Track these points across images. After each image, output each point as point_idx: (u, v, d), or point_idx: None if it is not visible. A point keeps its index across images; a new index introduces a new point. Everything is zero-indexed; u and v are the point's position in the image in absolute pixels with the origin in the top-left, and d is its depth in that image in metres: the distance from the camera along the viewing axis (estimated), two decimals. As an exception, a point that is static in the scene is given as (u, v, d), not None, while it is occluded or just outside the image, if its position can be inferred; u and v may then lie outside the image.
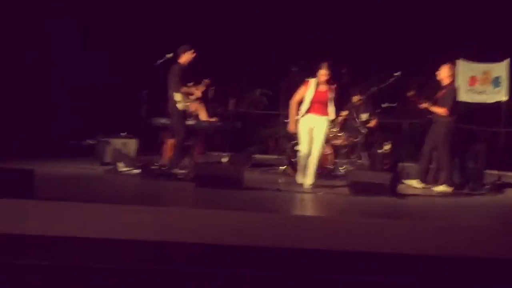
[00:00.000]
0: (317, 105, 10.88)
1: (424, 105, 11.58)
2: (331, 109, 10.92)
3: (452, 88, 11.64)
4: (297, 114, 10.97)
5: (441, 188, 11.23)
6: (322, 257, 7.30)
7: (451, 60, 15.36)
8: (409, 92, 11.82)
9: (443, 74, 11.65)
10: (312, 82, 10.96)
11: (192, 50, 11.88)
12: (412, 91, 11.79)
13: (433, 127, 11.59)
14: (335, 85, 11.01)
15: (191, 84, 12.04)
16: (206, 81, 12.34)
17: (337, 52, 19.92)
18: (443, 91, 11.62)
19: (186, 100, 11.82)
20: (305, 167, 10.87)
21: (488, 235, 7.47)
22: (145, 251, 7.23)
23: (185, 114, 11.97)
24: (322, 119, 10.90)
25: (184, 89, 11.81)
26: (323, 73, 10.89)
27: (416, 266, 7.29)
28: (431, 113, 11.64)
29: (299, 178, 11.09)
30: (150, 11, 17.68)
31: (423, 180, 11.58)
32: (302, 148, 10.94)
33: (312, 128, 10.89)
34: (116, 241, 7.28)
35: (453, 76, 11.74)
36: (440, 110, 11.45)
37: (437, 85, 11.83)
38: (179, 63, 11.83)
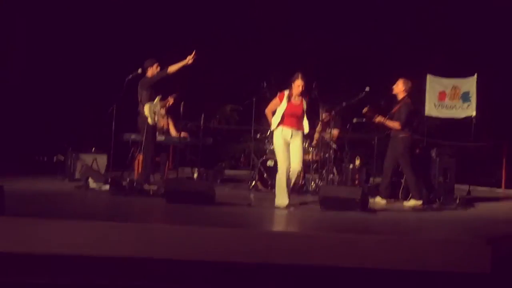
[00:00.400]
0: (292, 119, 10.42)
1: (378, 119, 11.57)
2: (306, 122, 10.51)
3: (406, 103, 11.57)
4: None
5: (411, 203, 11.25)
6: (294, 272, 7.30)
7: (418, 75, 15.55)
8: (364, 108, 11.84)
9: (398, 88, 11.63)
10: (285, 94, 10.50)
11: (157, 64, 11.87)
12: (366, 107, 11.82)
13: (391, 143, 11.61)
14: (307, 97, 10.70)
15: (159, 97, 11.96)
16: (175, 95, 12.32)
17: (307, 67, 20.04)
18: (398, 105, 11.63)
19: (156, 115, 11.78)
20: (284, 186, 10.30)
21: (459, 249, 7.50)
22: (116, 267, 7.19)
23: (154, 130, 11.92)
24: (297, 132, 10.47)
25: (155, 103, 11.76)
26: (298, 84, 10.40)
27: (386, 280, 7.31)
28: (387, 128, 11.67)
29: (282, 200, 10.36)
30: (120, 25, 17.66)
31: (385, 196, 11.58)
32: (282, 164, 10.37)
33: (288, 142, 10.43)
34: (86, 257, 7.23)
35: (407, 90, 11.61)
36: (393, 124, 11.47)
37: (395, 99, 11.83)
38: (146, 77, 11.82)
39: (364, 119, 12.09)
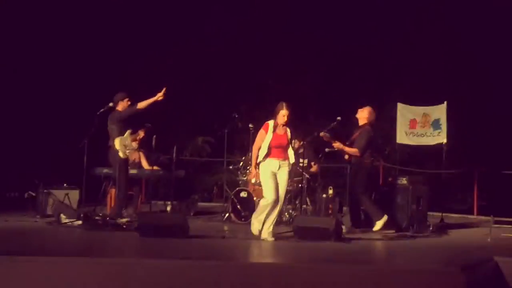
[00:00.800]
0: (278, 149, 10.25)
1: (336, 145, 11.54)
2: (291, 152, 10.35)
3: (366, 129, 11.62)
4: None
5: (378, 225, 11.21)
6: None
7: (388, 104, 15.66)
8: (321, 132, 11.85)
9: (362, 114, 11.70)
10: (270, 124, 10.33)
11: (127, 98, 11.87)
12: (323, 131, 11.84)
13: (351, 170, 11.67)
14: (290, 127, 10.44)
15: (129, 131, 11.92)
16: (146, 126, 12.25)
17: (277, 98, 20.09)
18: (357, 132, 11.68)
19: (127, 148, 11.75)
20: (264, 216, 10.17)
21: (434, 277, 7.51)
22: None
23: (126, 163, 11.89)
24: (284, 163, 10.29)
25: (125, 137, 11.74)
26: (283, 114, 10.22)
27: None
28: (345, 154, 11.70)
29: (262, 231, 10.26)
30: (90, 59, 17.65)
31: (354, 224, 11.57)
32: (268, 195, 10.13)
33: (275, 173, 10.22)
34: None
35: (370, 120, 11.67)
36: (351, 151, 11.52)
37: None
38: (117, 112, 11.81)
39: (336, 149, 12.09)
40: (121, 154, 11.64)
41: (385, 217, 11.20)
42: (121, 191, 11.72)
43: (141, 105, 11.68)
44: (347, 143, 11.68)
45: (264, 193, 10.24)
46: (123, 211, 12.44)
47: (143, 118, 12.47)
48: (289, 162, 10.34)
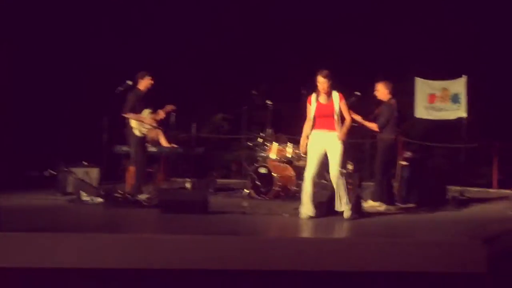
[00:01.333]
0: (322, 119, 9.84)
1: (355, 116, 11.00)
2: (337, 124, 9.82)
3: (388, 104, 11.43)
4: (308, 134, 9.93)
5: (369, 203, 11.16)
6: (292, 278, 7.31)
7: (406, 79, 15.56)
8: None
9: (380, 92, 11.51)
10: (313, 95, 9.99)
11: (150, 76, 11.85)
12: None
13: (377, 145, 11.57)
14: (340, 95, 10.05)
15: (149, 110, 11.92)
16: (170, 107, 12.21)
17: (297, 73, 20.08)
18: (380, 107, 11.57)
19: (144, 126, 11.75)
20: (309, 194, 9.78)
21: (455, 250, 7.52)
22: (115, 278, 7.19)
23: (143, 140, 11.88)
24: (331, 135, 9.80)
25: (145, 115, 11.75)
26: (320, 81, 9.86)
27: (384, 282, 7.33)
28: (369, 129, 11.61)
29: (305, 209, 9.87)
30: (111, 37, 17.65)
31: (377, 199, 11.49)
32: (307, 171, 9.83)
33: (319, 146, 9.82)
34: (85, 270, 7.23)
35: (391, 92, 11.47)
36: (371, 126, 11.43)
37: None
38: (137, 89, 11.79)
39: (356, 124, 12.03)
40: (136, 132, 11.66)
41: (383, 206, 11.13)
42: (139, 168, 11.75)
43: (143, 118, 11.77)
44: (371, 117, 11.61)
45: (305, 170, 9.93)
46: (143, 189, 12.51)
47: (162, 96, 12.48)
48: (336, 134, 9.81)
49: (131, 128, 11.69)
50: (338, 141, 9.77)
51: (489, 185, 16.43)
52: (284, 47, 20.45)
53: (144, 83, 11.84)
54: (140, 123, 11.69)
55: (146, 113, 11.84)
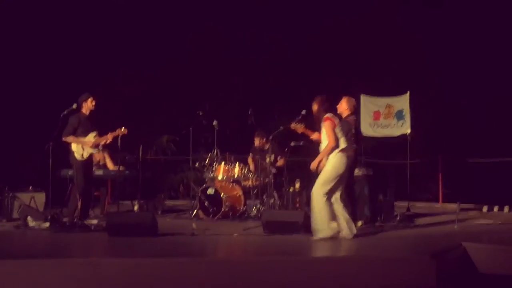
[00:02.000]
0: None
1: (314, 136, 11.17)
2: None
3: (345, 121, 11.15)
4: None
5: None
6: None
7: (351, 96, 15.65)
8: (292, 124, 11.76)
9: (342, 107, 11.35)
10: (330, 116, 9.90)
11: (91, 98, 11.75)
12: (294, 122, 11.81)
13: None
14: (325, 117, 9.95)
15: (94, 134, 11.81)
16: (120, 130, 12.10)
17: (241, 94, 20.21)
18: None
19: (86, 150, 11.63)
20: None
21: (404, 266, 7.60)
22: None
23: (85, 164, 11.70)
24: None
25: (89, 138, 11.65)
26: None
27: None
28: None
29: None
30: (54, 60, 17.53)
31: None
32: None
33: None
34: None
35: (351, 109, 11.36)
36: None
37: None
38: (80, 113, 11.67)
39: (301, 142, 12.08)
40: (77, 156, 11.53)
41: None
42: (80, 192, 11.56)
43: (83, 142, 11.64)
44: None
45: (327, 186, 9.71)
46: (90, 212, 12.41)
47: (110, 119, 12.44)
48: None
49: (72, 152, 11.58)
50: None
51: (436, 199, 16.64)
52: (228, 68, 20.55)
53: (87, 106, 11.72)
54: (81, 147, 11.57)
55: (91, 136, 11.70)
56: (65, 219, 11.11)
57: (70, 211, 11.67)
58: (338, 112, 11.44)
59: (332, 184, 9.64)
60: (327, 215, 9.57)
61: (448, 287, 7.63)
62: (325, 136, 9.82)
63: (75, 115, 11.66)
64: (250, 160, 13.93)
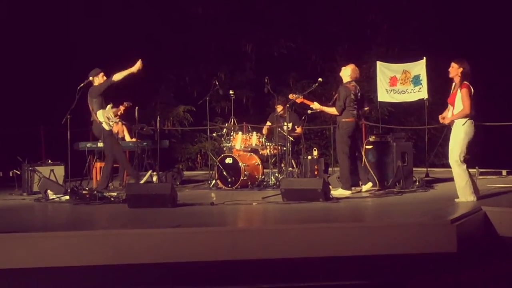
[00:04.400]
0: None
1: (315, 106, 11.44)
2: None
3: (344, 86, 11.27)
4: None
5: (337, 192, 11.06)
6: (263, 267, 7.32)
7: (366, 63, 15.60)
8: (290, 94, 11.83)
9: (344, 73, 11.40)
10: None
11: (102, 73, 12.07)
12: (292, 93, 11.84)
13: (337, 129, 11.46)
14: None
15: (110, 105, 12.10)
16: (126, 104, 12.44)
17: (257, 62, 20.16)
18: (337, 91, 11.48)
19: (110, 121, 11.91)
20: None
21: (425, 231, 7.59)
22: (89, 276, 7.16)
23: (113, 134, 12.17)
24: None
25: (107, 110, 11.92)
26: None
27: (354, 266, 7.37)
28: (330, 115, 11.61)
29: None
30: (69, 35, 17.57)
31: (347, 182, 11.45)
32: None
33: None
34: (55, 268, 7.18)
35: (352, 76, 11.32)
36: (330, 110, 11.44)
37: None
38: (94, 87, 11.97)
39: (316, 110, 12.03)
40: (105, 126, 11.85)
41: (348, 193, 11.10)
42: (122, 161, 12.48)
43: (117, 77, 11.94)
44: (329, 103, 11.61)
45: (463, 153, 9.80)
46: (110, 184, 12.52)
47: (124, 92, 12.51)
48: None
49: (99, 123, 11.82)
50: None
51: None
52: (242, 35, 20.51)
53: (99, 80, 12.09)
54: (107, 117, 11.87)
55: (108, 107, 12.02)
56: (84, 191, 11.12)
57: (102, 181, 12.25)
58: (340, 75, 11.45)
59: (465, 150, 9.77)
60: (469, 181, 9.71)
61: (470, 251, 7.62)
62: (459, 100, 9.85)
63: (94, 88, 12.11)
64: (265, 128, 13.85)
